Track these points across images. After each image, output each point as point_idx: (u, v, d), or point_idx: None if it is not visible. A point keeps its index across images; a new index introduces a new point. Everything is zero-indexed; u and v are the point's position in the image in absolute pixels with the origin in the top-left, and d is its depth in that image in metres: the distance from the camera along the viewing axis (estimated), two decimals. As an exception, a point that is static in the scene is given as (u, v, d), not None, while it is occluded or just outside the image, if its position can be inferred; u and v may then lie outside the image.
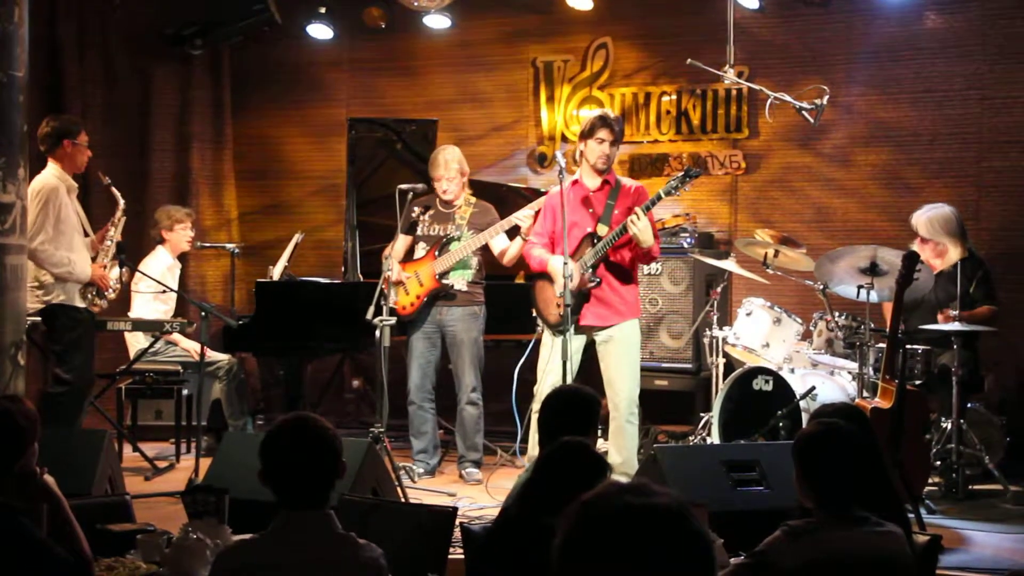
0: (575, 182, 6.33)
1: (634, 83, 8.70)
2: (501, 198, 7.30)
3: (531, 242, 6.48)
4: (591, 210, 6.24)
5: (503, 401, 7.13)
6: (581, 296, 6.13)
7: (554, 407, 4.10)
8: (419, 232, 7.03)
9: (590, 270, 6.13)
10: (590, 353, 6.32)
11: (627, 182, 6.44)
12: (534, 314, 6.51)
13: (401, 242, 7.02)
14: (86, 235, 6.72)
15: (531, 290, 6.52)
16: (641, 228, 5.95)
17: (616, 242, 6.12)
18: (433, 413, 7.05)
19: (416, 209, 6.98)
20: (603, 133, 6.20)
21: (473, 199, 7.04)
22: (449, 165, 6.92)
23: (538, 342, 6.49)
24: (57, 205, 6.33)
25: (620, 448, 6.18)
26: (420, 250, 7.03)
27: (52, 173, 6.46)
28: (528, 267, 6.63)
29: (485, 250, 6.97)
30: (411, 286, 6.93)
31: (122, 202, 6.88)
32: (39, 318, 6.48)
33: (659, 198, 6.06)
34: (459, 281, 6.92)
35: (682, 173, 6.04)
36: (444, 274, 6.89)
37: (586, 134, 6.26)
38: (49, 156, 6.52)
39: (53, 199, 6.31)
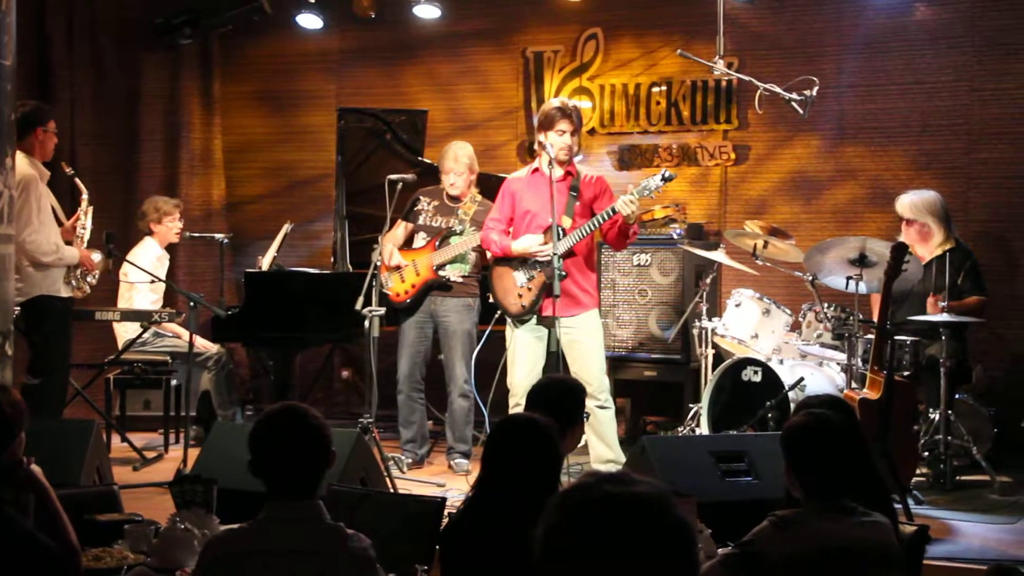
0: (535, 170, 6.30)
1: (624, 74, 8.69)
2: (490, 188, 7.28)
3: (488, 227, 6.42)
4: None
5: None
6: (544, 287, 6.09)
7: (540, 398, 4.10)
8: (421, 221, 7.03)
9: (559, 263, 6.07)
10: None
11: (586, 172, 6.40)
12: (491, 301, 6.46)
13: (401, 228, 7.03)
14: (59, 224, 6.71)
15: (489, 278, 6.47)
16: (635, 210, 5.93)
17: (586, 235, 6.10)
18: (422, 403, 7.05)
19: (422, 198, 6.98)
20: (563, 124, 6.15)
21: (479, 197, 7.04)
22: (459, 159, 6.92)
23: (494, 332, 6.47)
24: (37, 194, 6.33)
25: (602, 436, 6.13)
26: (420, 240, 7.03)
27: (25, 162, 6.34)
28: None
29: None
30: (407, 274, 6.94)
31: (85, 193, 6.89)
32: (18, 309, 6.45)
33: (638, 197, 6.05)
34: (455, 274, 6.92)
35: (659, 176, 5.98)
36: (441, 266, 6.89)
37: (545, 126, 6.19)
38: (17, 144, 6.41)
39: (33, 188, 6.30)
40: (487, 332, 6.79)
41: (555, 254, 5.88)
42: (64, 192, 7.14)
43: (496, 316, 6.51)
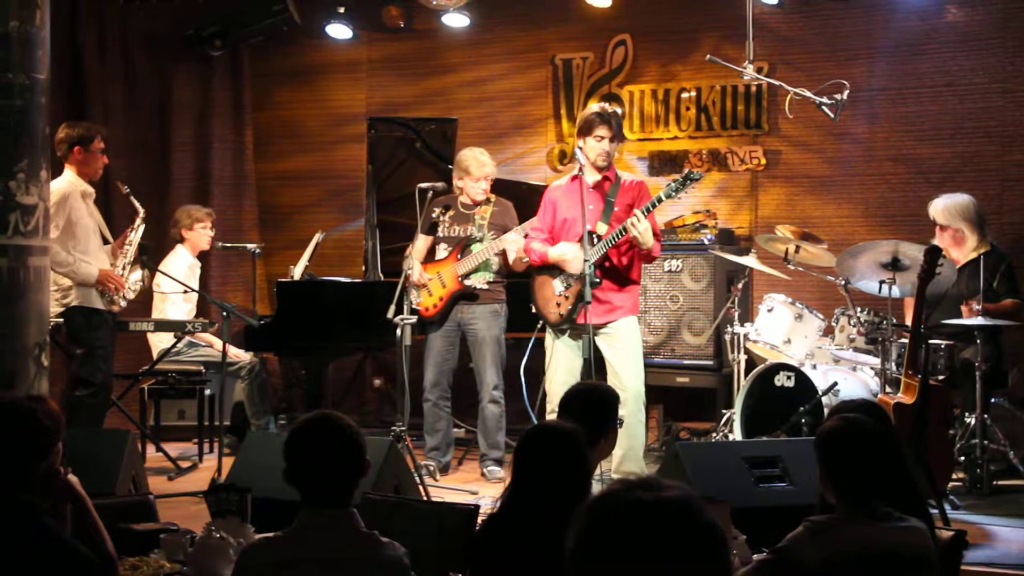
0: (575, 177, 6.26)
1: (653, 80, 8.68)
2: (520, 197, 7.29)
3: (531, 237, 6.43)
4: (591, 207, 6.14)
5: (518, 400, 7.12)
6: (580, 296, 6.06)
7: (573, 405, 4.09)
8: (440, 233, 7.03)
9: (591, 269, 6.05)
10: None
11: (627, 178, 6.36)
12: (533, 311, 6.44)
13: (421, 242, 7.02)
14: (105, 241, 6.79)
15: (531, 287, 6.45)
16: (642, 231, 5.89)
17: (617, 242, 6.07)
18: (448, 411, 7.05)
19: (436, 209, 6.97)
20: (602, 130, 6.11)
21: (493, 197, 7.03)
22: (485, 164, 6.92)
23: (539, 340, 6.45)
24: (67, 208, 6.44)
25: (629, 446, 6.04)
26: (442, 251, 7.03)
27: (66, 178, 6.60)
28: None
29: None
30: (434, 287, 6.94)
31: (141, 212, 6.96)
32: (60, 320, 6.54)
33: (659, 201, 5.98)
34: (480, 281, 6.92)
35: (683, 176, 5.95)
36: (466, 276, 6.90)
37: (584, 131, 6.16)
38: (64, 162, 6.63)
39: (63, 203, 6.43)
40: (531, 340, 6.63)
41: (587, 260, 5.85)
42: (125, 211, 7.23)
43: (539, 325, 6.48)
